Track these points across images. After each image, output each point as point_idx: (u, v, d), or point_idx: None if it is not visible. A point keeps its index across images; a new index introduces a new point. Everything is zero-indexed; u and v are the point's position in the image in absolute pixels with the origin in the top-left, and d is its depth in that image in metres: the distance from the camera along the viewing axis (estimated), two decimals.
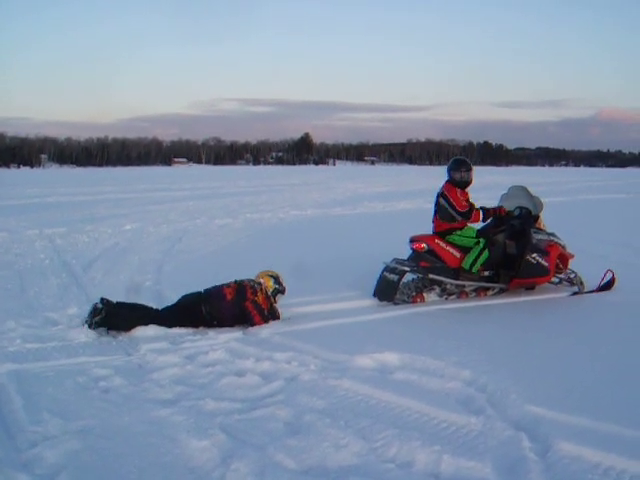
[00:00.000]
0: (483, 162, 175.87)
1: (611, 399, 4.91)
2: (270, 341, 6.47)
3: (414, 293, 8.42)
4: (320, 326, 7.05)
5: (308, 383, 5.26)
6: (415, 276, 8.54)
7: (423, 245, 8.44)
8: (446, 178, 8.96)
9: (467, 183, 8.87)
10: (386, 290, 8.32)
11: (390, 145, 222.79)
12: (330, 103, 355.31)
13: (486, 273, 8.72)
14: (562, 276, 9.16)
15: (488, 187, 38.05)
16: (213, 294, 7.18)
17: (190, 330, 6.89)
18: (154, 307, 7.29)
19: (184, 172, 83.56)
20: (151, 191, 33.19)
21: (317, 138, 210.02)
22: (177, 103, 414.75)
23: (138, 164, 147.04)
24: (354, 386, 5.17)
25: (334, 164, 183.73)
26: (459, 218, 8.57)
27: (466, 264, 8.50)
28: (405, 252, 8.65)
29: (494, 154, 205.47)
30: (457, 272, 8.51)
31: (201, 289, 7.30)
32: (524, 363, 5.81)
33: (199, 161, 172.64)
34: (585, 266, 9.38)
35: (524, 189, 9.51)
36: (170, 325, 6.92)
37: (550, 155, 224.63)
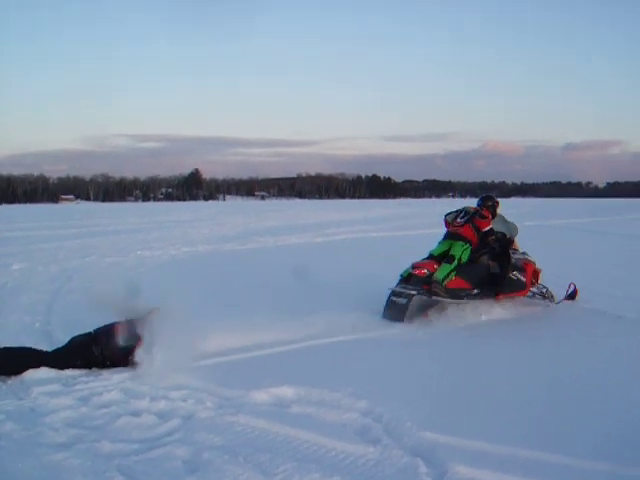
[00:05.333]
0: (372, 195, 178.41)
1: (506, 421, 5.11)
2: (165, 379, 6.40)
3: (421, 312, 9.22)
4: (215, 362, 6.97)
5: (205, 420, 5.23)
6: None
7: (424, 271, 9.47)
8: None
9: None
10: (396, 312, 9.17)
11: (280, 179, 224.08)
12: (220, 138, 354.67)
13: (475, 291, 9.69)
14: (535, 290, 10.40)
15: (376, 220, 38.89)
16: (104, 333, 7.03)
17: (83, 371, 6.69)
18: (44, 349, 7.11)
19: (72, 209, 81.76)
20: (39, 229, 32.27)
21: (207, 173, 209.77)
22: (65, 139, 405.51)
23: (24, 201, 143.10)
24: (251, 421, 5.17)
25: (224, 199, 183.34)
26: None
27: (439, 276, 9.39)
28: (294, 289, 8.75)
29: (383, 187, 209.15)
30: (455, 292, 9.49)
31: (92, 329, 7.15)
32: (420, 391, 5.95)
33: (87, 198, 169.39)
34: None
35: (500, 216, 10.70)
36: (62, 367, 6.73)
37: (437, 187, 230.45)
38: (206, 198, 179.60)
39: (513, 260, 9.99)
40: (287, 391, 5.91)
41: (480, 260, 9.97)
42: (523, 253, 10.44)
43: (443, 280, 9.36)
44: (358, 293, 10.51)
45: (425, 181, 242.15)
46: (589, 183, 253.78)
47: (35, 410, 5.57)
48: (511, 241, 10.34)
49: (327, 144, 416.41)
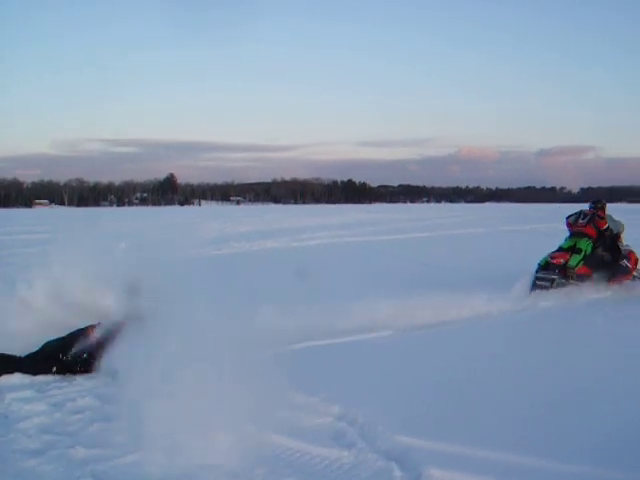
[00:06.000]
0: (347, 200, 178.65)
1: (481, 423, 5.14)
2: (140, 384, 6.36)
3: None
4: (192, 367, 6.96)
5: None
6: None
7: (561, 260, 11.92)
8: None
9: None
10: (539, 289, 11.46)
11: (256, 185, 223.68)
12: (195, 143, 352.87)
13: (594, 276, 12.05)
14: (636, 274, 12.54)
15: (354, 225, 38.93)
16: (76, 338, 7.00)
17: (56, 377, 6.67)
18: (17, 355, 7.05)
19: (46, 213, 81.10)
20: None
21: (182, 178, 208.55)
22: (39, 143, 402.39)
23: None
24: None
25: (199, 204, 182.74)
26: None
27: (572, 264, 11.88)
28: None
29: (358, 192, 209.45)
30: (581, 277, 11.89)
31: (65, 333, 7.10)
32: (394, 394, 5.98)
33: (62, 202, 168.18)
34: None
35: (609, 215, 12.99)
36: (35, 372, 6.71)
37: (412, 192, 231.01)
38: (181, 203, 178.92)
39: (622, 251, 12.56)
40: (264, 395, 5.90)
41: (596, 252, 12.42)
42: (627, 245, 12.87)
43: (574, 267, 11.83)
44: (335, 297, 10.51)
45: (400, 186, 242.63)
46: (563, 188, 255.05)
47: (8, 416, 5.53)
48: (618, 235, 12.87)
49: (303, 149, 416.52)
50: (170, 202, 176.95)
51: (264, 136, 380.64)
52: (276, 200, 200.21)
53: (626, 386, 6.37)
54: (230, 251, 22.00)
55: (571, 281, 11.71)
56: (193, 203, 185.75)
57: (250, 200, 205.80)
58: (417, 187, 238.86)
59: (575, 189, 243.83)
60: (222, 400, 5.68)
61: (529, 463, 4.44)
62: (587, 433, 5.01)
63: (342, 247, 23.55)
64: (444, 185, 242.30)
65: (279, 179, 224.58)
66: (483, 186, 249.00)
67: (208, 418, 5.15)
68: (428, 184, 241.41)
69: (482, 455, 4.52)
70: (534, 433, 5.01)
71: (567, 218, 13.12)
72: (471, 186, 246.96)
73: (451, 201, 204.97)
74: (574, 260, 11.90)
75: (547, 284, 11.58)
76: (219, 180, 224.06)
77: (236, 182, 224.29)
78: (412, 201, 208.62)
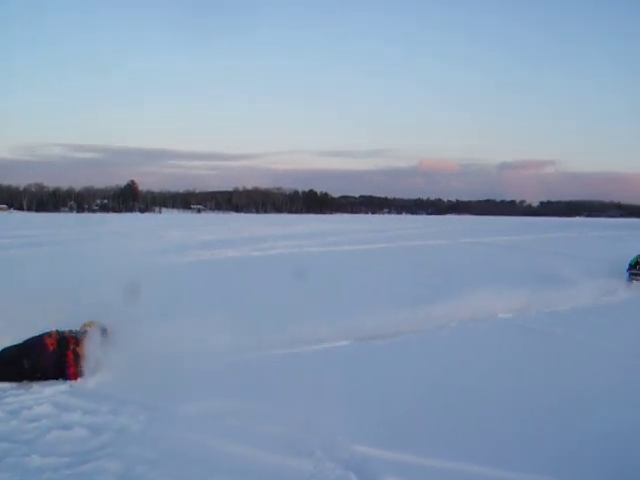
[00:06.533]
0: (309, 210, 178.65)
1: (440, 434, 5.19)
2: (97, 392, 6.29)
3: None
4: (149, 375, 6.87)
5: (137, 434, 5.18)
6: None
7: None
8: None
9: None
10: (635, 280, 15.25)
11: (217, 193, 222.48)
12: (157, 150, 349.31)
13: None
14: None
15: (315, 235, 38.96)
16: (34, 346, 6.92)
17: (13, 384, 6.59)
18: None
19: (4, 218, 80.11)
20: None
21: (144, 185, 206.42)
22: None
23: None
24: (184, 434, 5.14)
25: (160, 212, 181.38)
26: None
27: None
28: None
29: (319, 202, 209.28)
30: None
31: (22, 340, 7.03)
32: (354, 404, 5.99)
33: (20, 207, 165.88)
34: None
35: None
36: None
37: (373, 203, 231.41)
38: (142, 211, 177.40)
39: None
40: (221, 403, 5.89)
41: None
42: None
43: None
44: (294, 307, 10.56)
45: (362, 197, 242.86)
46: (523, 201, 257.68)
47: None
48: None
49: (265, 158, 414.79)
50: (131, 209, 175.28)
51: (226, 144, 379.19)
52: (237, 209, 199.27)
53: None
54: (191, 259, 21.89)
55: None
56: (154, 211, 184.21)
57: (211, 209, 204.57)
58: (379, 198, 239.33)
59: (535, 203, 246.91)
60: (175, 411, 5.71)
61: (487, 474, 4.50)
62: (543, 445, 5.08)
63: (303, 257, 23.54)
64: (405, 197, 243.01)
65: (241, 188, 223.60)
66: (444, 198, 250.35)
67: (164, 423, 5.16)
68: (390, 195, 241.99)
69: (439, 465, 4.56)
70: (494, 444, 5.07)
71: None
72: (432, 198, 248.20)
73: (412, 213, 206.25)
74: None
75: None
76: (180, 188, 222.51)
77: (197, 190, 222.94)
78: (373, 212, 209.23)
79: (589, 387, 6.81)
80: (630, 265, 15.65)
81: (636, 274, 15.45)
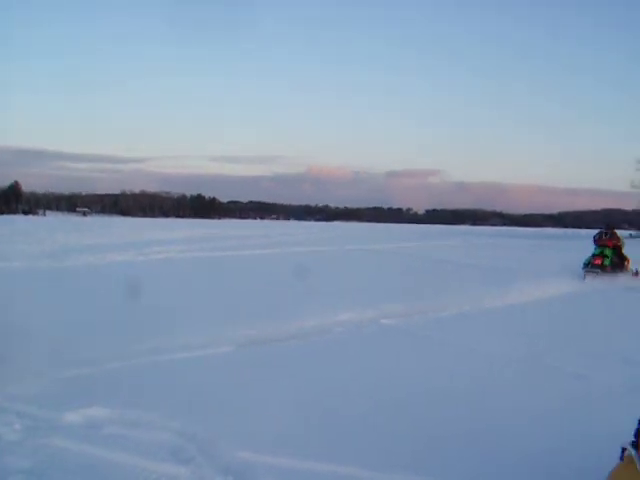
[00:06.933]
0: (196, 215, 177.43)
1: (320, 438, 5.26)
2: None
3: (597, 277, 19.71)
4: (26, 382, 6.68)
5: (13, 443, 5.02)
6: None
7: (599, 261, 19.89)
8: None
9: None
10: (591, 275, 19.63)
11: (104, 196, 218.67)
12: (42, 151, 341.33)
13: (610, 270, 20.11)
14: (630, 269, 20.78)
15: (198, 240, 38.69)
16: None
17: None
18: None
19: None
20: None
21: (27, 186, 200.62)
22: None
23: None
24: (63, 443, 5.02)
25: (44, 214, 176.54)
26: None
27: (606, 263, 20.38)
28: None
29: (207, 207, 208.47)
30: (608, 270, 20.02)
31: None
32: (239, 409, 5.99)
33: None
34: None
35: (616, 233, 21.67)
36: None
37: (262, 209, 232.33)
38: (25, 212, 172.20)
39: (624, 256, 20.86)
40: (101, 411, 5.79)
41: (613, 257, 20.43)
42: (623, 254, 20.94)
43: (606, 266, 19.93)
44: (175, 311, 10.51)
45: (250, 202, 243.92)
46: (409, 209, 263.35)
47: None
48: (621, 248, 20.96)
49: (154, 162, 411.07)
50: (14, 211, 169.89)
51: (115, 147, 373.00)
52: (124, 213, 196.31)
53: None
54: (71, 264, 21.36)
55: (605, 272, 19.87)
56: (38, 213, 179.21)
57: (97, 212, 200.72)
58: (267, 204, 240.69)
59: (421, 211, 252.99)
60: (56, 420, 5.60)
61: (360, 475, 4.60)
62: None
63: (187, 261, 23.39)
64: (294, 203, 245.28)
65: (128, 191, 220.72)
66: (333, 205, 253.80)
67: (43, 433, 5.07)
68: (278, 201, 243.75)
69: (319, 468, 4.63)
70: (366, 444, 5.18)
71: (595, 236, 21.43)
72: (321, 205, 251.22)
73: (301, 219, 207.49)
74: (606, 261, 20.11)
75: (595, 272, 19.80)
76: (66, 190, 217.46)
77: (84, 193, 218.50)
78: (262, 218, 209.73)
79: (446, 386, 7.05)
80: (584, 264, 20.42)
81: (589, 271, 20.09)
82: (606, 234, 21.26)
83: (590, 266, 20.11)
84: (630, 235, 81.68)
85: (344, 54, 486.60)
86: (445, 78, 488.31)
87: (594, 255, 20.51)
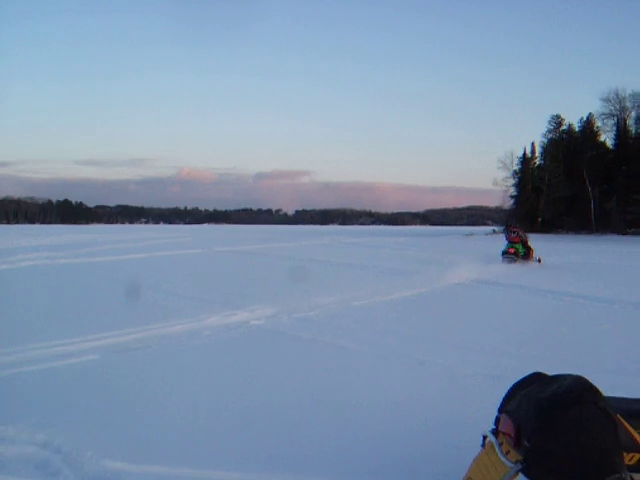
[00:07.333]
0: (63, 220, 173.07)
1: (189, 444, 5.23)
2: None
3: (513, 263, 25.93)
4: None
5: None
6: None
7: (513, 250, 26.37)
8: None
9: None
10: (508, 262, 25.90)
11: None
12: None
13: (521, 258, 26.65)
14: (534, 257, 26.93)
15: (66, 246, 37.74)
16: None
17: None
18: None
19: None
20: None
21: None
22: None
23: None
24: None
25: None
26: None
27: (520, 253, 26.98)
28: None
29: (74, 212, 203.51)
30: (519, 258, 26.53)
31: None
32: (104, 419, 5.89)
33: None
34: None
35: (523, 230, 28.46)
36: None
37: (130, 212, 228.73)
38: None
39: (530, 248, 27.12)
40: None
41: (522, 248, 26.79)
42: (529, 245, 27.35)
43: (518, 255, 26.25)
44: (37, 321, 10.23)
45: (118, 206, 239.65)
46: (279, 210, 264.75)
47: None
48: (526, 241, 27.23)
49: (17, 166, 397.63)
50: None
51: None
52: None
53: None
54: None
55: (518, 260, 26.23)
56: None
57: None
58: (136, 208, 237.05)
59: (290, 211, 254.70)
60: None
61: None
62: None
63: (55, 269, 22.77)
64: (163, 206, 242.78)
65: None
66: (202, 207, 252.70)
67: None
68: (147, 205, 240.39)
69: (190, 474, 4.62)
70: (233, 446, 5.20)
71: (505, 234, 28.85)
72: (190, 207, 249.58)
73: (170, 222, 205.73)
74: (518, 251, 26.55)
75: (507, 261, 26.01)
76: None
77: None
78: (131, 222, 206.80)
79: (318, 384, 7.18)
80: (502, 253, 26.84)
81: (506, 257, 26.44)
82: (513, 232, 27.57)
83: (506, 254, 26.70)
84: (494, 231, 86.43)
85: (210, 56, 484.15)
86: (313, 78, 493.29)
87: (508, 246, 27.12)
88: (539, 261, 26.42)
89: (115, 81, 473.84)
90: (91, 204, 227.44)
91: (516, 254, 26.47)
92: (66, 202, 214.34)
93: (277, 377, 7.55)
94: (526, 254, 26.86)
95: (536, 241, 31.49)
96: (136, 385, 7.19)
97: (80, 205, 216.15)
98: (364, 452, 5.07)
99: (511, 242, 27.15)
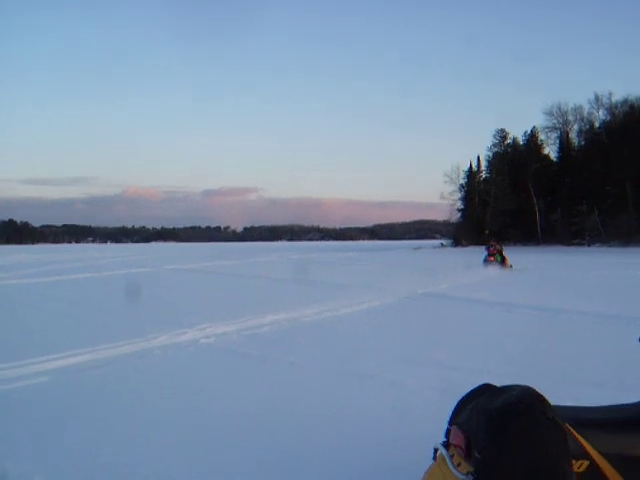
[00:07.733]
0: (8, 241, 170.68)
1: (143, 464, 5.16)
2: None
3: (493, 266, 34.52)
4: None
5: None
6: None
7: (493, 258, 35.42)
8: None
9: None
10: (488, 266, 34.58)
11: None
12: None
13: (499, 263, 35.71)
14: (508, 264, 34.72)
15: (15, 266, 37.25)
16: None
17: None
18: None
19: None
20: None
21: None
22: None
23: None
24: None
25: None
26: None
27: (498, 259, 36.04)
28: None
29: (19, 232, 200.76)
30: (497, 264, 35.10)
31: None
32: (53, 442, 5.77)
33: None
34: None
35: (500, 243, 40.52)
36: None
37: (77, 232, 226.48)
38: None
39: (505, 257, 35.85)
40: None
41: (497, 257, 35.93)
42: (504, 255, 36.06)
43: (498, 261, 35.09)
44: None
45: (65, 226, 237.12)
46: (228, 227, 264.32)
47: None
48: (502, 251, 36.16)
49: None
50: None
51: None
52: None
53: None
54: None
55: (495, 264, 33.68)
56: None
57: None
58: (83, 227, 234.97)
59: (239, 228, 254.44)
60: None
61: None
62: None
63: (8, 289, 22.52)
64: (110, 225, 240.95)
65: None
66: (149, 226, 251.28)
67: None
68: (94, 224, 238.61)
69: None
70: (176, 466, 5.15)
71: (486, 248, 36.82)
72: (137, 226, 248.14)
73: (117, 241, 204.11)
74: (496, 259, 34.75)
75: (491, 264, 33.46)
76: None
77: None
78: (77, 241, 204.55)
79: (267, 401, 7.10)
80: (483, 260, 35.38)
81: (488, 263, 34.39)
82: (491, 246, 36.46)
83: (487, 262, 34.88)
84: (442, 244, 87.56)
85: (155, 73, 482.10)
86: (258, 94, 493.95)
87: (488, 256, 35.67)
88: (511, 267, 33.73)
89: (56, 99, 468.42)
90: (37, 224, 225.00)
91: (495, 261, 35.14)
92: (11, 222, 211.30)
93: (231, 392, 7.54)
94: (502, 261, 35.16)
95: (483, 253, 38.06)
96: (83, 408, 7.05)
97: (26, 225, 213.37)
98: (316, 466, 5.06)
99: (490, 253, 36.03)
